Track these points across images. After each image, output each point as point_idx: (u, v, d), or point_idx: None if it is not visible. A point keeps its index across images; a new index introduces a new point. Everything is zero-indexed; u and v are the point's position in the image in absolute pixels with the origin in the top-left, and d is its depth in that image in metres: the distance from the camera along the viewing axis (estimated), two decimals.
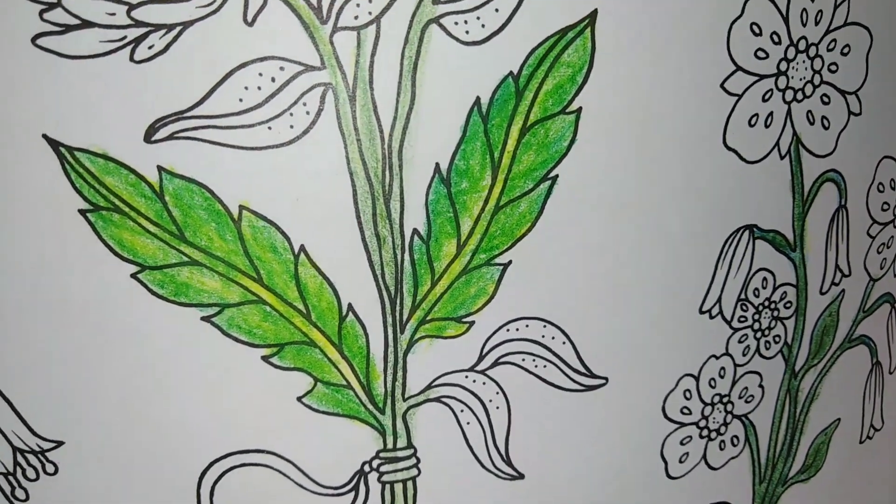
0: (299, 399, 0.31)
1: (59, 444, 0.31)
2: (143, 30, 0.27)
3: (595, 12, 0.30)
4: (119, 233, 0.29)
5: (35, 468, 0.31)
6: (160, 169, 0.28)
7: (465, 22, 0.29)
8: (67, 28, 0.27)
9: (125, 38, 0.27)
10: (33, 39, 0.27)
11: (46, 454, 0.31)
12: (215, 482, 0.32)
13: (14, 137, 0.28)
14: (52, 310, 0.29)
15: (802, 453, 0.39)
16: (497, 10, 0.29)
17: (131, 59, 0.27)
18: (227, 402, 0.31)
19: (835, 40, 0.34)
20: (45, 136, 0.28)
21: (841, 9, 0.34)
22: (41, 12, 0.27)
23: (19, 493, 0.32)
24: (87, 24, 0.27)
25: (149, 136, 0.28)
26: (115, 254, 0.29)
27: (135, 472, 0.31)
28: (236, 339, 0.30)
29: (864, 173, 0.37)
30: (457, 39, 0.29)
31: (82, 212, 0.29)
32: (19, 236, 0.29)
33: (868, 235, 0.38)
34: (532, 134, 0.31)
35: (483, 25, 0.29)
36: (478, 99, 0.30)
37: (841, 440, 0.41)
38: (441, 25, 0.29)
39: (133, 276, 0.29)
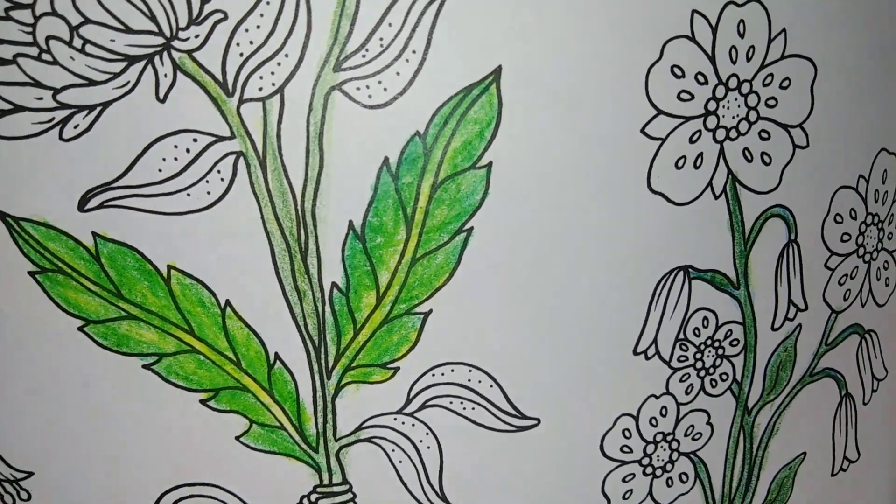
0: (237, 438, 0.34)
1: (31, 474, 0.35)
2: (67, 111, 0.30)
3: (499, 68, 0.30)
4: (64, 291, 0.32)
5: (12, 495, 0.35)
6: (94, 234, 0.31)
7: (367, 87, 0.30)
8: (2, 113, 0.30)
9: (53, 119, 0.30)
10: None
11: (20, 483, 0.35)
12: None
13: None
14: (12, 360, 0.33)
15: (764, 487, 0.39)
16: (398, 74, 0.30)
17: (60, 137, 0.30)
18: (172, 440, 0.34)
19: (771, 75, 0.33)
20: None
21: (777, 42, 0.33)
22: None
23: None
24: (18, 108, 0.30)
25: (82, 206, 0.31)
26: (63, 309, 0.32)
27: (96, 499, 0.35)
28: (175, 385, 0.33)
29: (817, 205, 0.36)
30: (360, 104, 0.30)
31: (31, 273, 0.32)
32: None
33: (826, 268, 0.37)
34: (444, 189, 0.31)
35: (385, 89, 0.30)
36: (386, 159, 0.31)
37: (810, 473, 0.40)
38: (343, 91, 0.30)
39: (80, 329, 0.32)
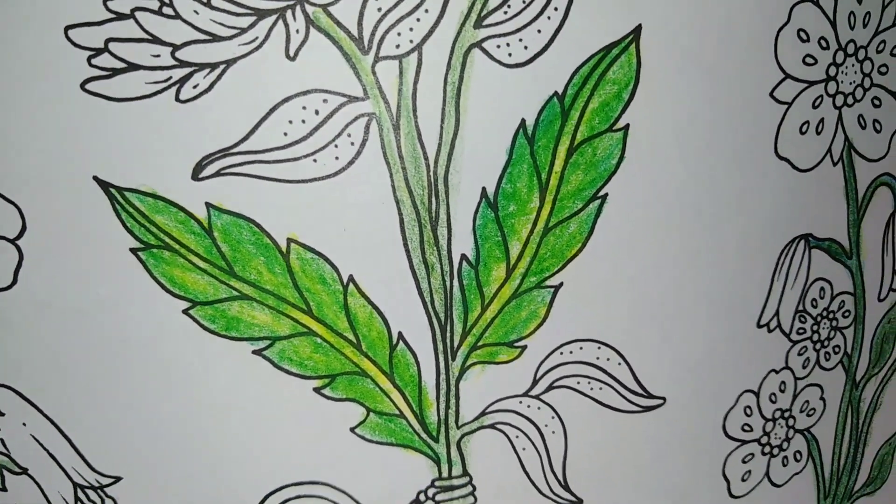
0: (352, 430, 0.31)
1: (118, 479, 0.31)
2: (187, 70, 0.27)
3: (639, 28, 0.29)
4: (170, 270, 0.29)
5: (94, 503, 0.31)
6: (208, 205, 0.29)
7: (508, 45, 0.29)
8: (114, 72, 0.27)
9: (170, 78, 0.27)
10: (82, 85, 0.27)
11: (105, 489, 0.31)
12: None
13: (66, 180, 0.28)
14: (108, 348, 0.30)
15: (867, 465, 0.38)
16: (539, 31, 0.29)
17: (177, 98, 0.28)
18: (280, 434, 0.31)
19: (884, 41, 0.33)
20: (95, 178, 0.28)
21: (890, 9, 0.33)
22: (89, 58, 0.27)
23: None
24: (133, 66, 0.27)
25: (196, 174, 0.28)
26: (167, 290, 0.29)
27: None
28: (288, 372, 0.30)
29: None
30: (500, 62, 0.29)
31: (133, 250, 0.29)
32: (76, 277, 0.29)
33: None
34: (579, 153, 0.30)
35: (526, 47, 0.29)
36: (523, 121, 0.29)
37: None
38: (483, 49, 0.28)
39: (185, 311, 0.29)
